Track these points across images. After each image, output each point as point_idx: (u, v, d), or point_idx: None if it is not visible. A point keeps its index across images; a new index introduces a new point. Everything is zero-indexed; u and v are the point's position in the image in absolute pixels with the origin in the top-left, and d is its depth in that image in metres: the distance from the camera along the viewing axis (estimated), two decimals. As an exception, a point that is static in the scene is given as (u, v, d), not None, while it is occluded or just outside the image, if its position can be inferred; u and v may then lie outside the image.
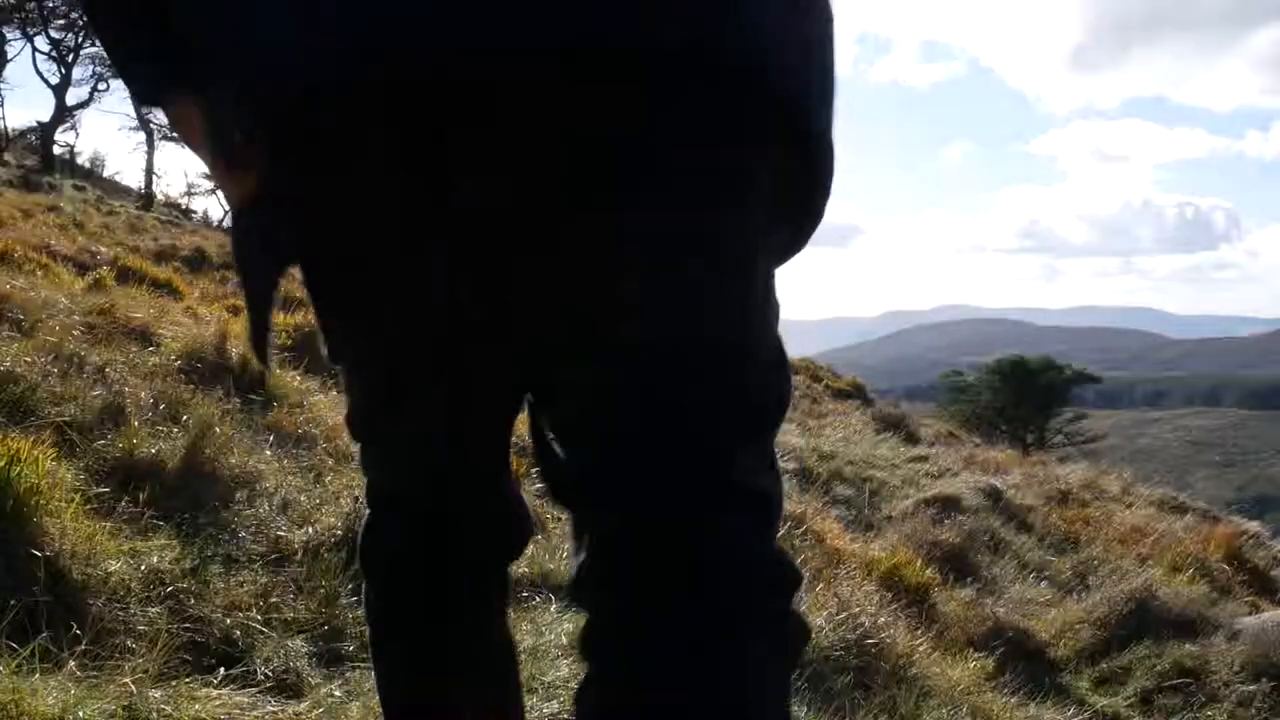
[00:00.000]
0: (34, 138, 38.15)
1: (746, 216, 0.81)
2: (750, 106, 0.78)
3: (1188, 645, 4.21)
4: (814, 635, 3.12)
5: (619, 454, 0.83)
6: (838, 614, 3.24)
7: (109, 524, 2.70)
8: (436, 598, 1.09)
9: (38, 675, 2.08)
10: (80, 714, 2.00)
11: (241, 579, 2.73)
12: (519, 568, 3.31)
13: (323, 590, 2.76)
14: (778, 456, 0.91)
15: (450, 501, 1.09)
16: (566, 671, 2.57)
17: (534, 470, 4.34)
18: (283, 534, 3.01)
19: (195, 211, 40.13)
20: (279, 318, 5.24)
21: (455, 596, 1.10)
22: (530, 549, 3.50)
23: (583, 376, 0.83)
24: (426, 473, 1.08)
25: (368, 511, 1.16)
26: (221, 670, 2.33)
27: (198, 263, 12.73)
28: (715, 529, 0.82)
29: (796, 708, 2.79)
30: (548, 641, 2.77)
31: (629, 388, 0.81)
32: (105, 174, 43.64)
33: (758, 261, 0.83)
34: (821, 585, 3.70)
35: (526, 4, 0.73)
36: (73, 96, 36.13)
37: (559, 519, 4.07)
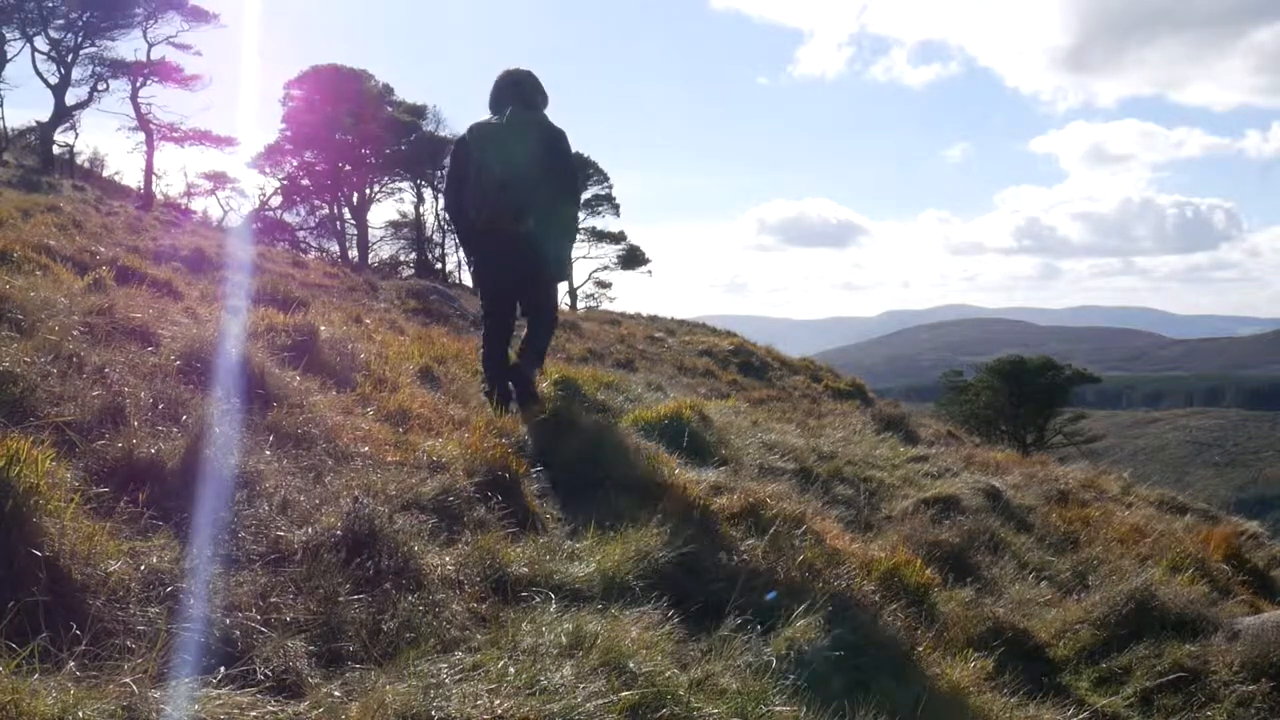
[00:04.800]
0: (33, 138, 38.14)
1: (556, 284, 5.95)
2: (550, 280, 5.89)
3: (1188, 645, 4.21)
4: (814, 635, 3.12)
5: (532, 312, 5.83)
6: (838, 614, 3.24)
7: (109, 524, 2.70)
8: (500, 348, 5.68)
9: (38, 675, 2.08)
10: (80, 714, 2.00)
11: (241, 579, 2.73)
12: (519, 568, 3.31)
13: (322, 590, 2.76)
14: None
15: (503, 327, 5.75)
16: (569, 671, 2.57)
17: (534, 471, 4.32)
18: (283, 534, 3.00)
19: (195, 211, 40.16)
20: (279, 317, 5.24)
21: (504, 348, 5.70)
22: (531, 549, 3.50)
23: (533, 300, 5.78)
24: (500, 322, 5.76)
25: (485, 329, 5.82)
26: (221, 670, 2.33)
27: (198, 263, 12.73)
28: (553, 319, 5.99)
29: (796, 708, 2.79)
30: (548, 641, 2.77)
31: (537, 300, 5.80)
32: (105, 174, 43.65)
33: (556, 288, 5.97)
34: (821, 585, 3.70)
35: (526, 251, 5.43)
36: (72, 96, 36.18)
37: (559, 519, 4.07)
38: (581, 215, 6.00)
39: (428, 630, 2.77)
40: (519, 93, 5.49)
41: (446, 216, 5.45)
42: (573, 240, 5.78)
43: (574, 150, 5.69)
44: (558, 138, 5.40)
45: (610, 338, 20.22)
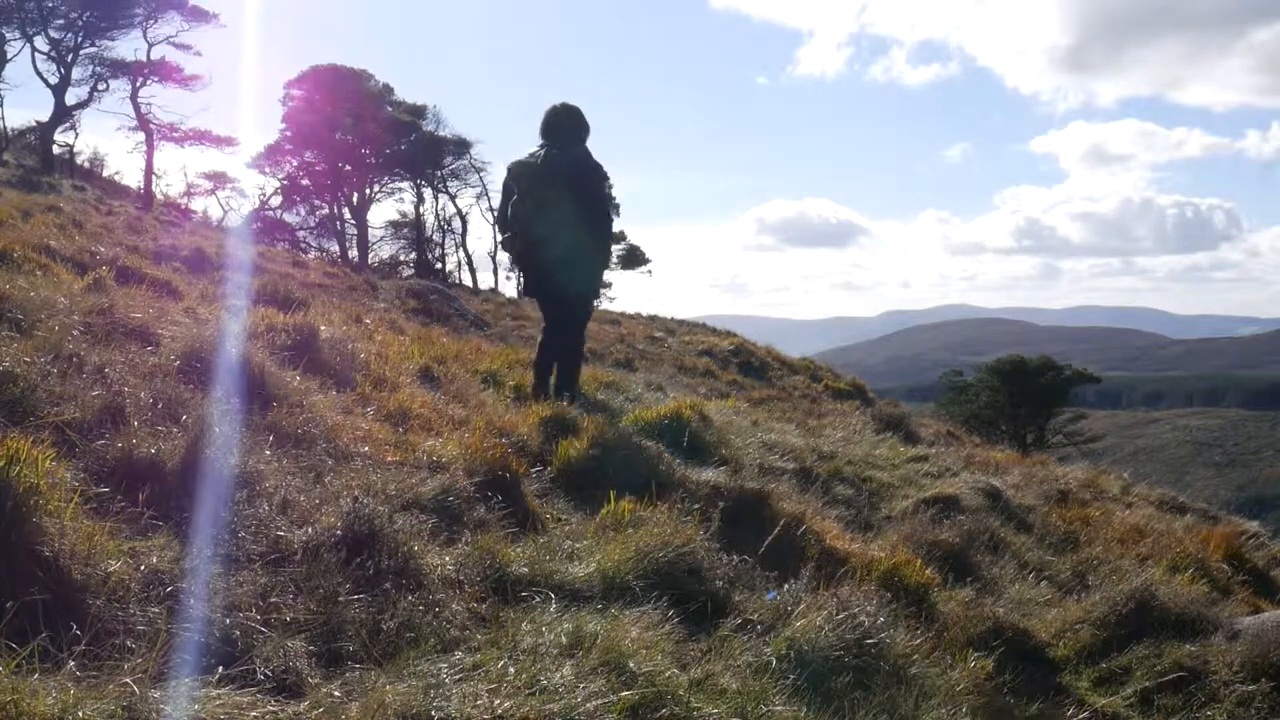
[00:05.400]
0: (33, 138, 38.14)
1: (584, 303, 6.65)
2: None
3: (1188, 645, 4.20)
4: (814, 635, 3.12)
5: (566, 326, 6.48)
6: (838, 614, 3.24)
7: (109, 524, 2.70)
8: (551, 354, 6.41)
9: (38, 675, 2.08)
10: (80, 714, 2.00)
11: (241, 579, 2.73)
12: (519, 568, 3.31)
13: (322, 590, 2.75)
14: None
15: (554, 325, 6.49)
16: (569, 671, 2.57)
17: (534, 471, 4.33)
18: (283, 534, 3.00)
19: (195, 211, 40.17)
20: (279, 317, 5.24)
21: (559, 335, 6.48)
22: (531, 549, 3.50)
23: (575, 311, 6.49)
24: (553, 323, 6.47)
25: (543, 330, 6.57)
26: (221, 670, 2.33)
27: (198, 263, 12.72)
28: (579, 339, 6.62)
29: (797, 708, 2.79)
30: (548, 641, 2.77)
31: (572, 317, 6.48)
32: (105, 174, 43.66)
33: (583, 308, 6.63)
34: (821, 585, 3.70)
35: (564, 273, 6.12)
36: (72, 96, 36.18)
37: (559, 519, 4.07)
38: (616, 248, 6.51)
39: (428, 630, 2.77)
40: (559, 129, 6.14)
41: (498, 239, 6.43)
42: (603, 264, 6.43)
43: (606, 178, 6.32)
44: (590, 172, 6.07)
45: (610, 338, 20.23)
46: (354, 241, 48.07)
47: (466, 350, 7.85)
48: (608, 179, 6.26)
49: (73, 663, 2.17)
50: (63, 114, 36.40)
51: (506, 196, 6.24)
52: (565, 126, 6.14)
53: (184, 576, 2.60)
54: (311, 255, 35.53)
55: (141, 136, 38.11)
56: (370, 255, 46.81)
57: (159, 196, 38.65)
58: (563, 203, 5.93)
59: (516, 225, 6.06)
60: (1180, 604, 4.56)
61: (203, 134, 40.06)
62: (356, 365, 5.23)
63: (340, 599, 2.75)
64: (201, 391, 3.85)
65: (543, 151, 6.08)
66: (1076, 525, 6.22)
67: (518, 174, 6.12)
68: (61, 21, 35.07)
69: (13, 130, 39.13)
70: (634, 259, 53.74)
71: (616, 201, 48.37)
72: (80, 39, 35.51)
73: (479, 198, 50.35)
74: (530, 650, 2.71)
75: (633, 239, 54.24)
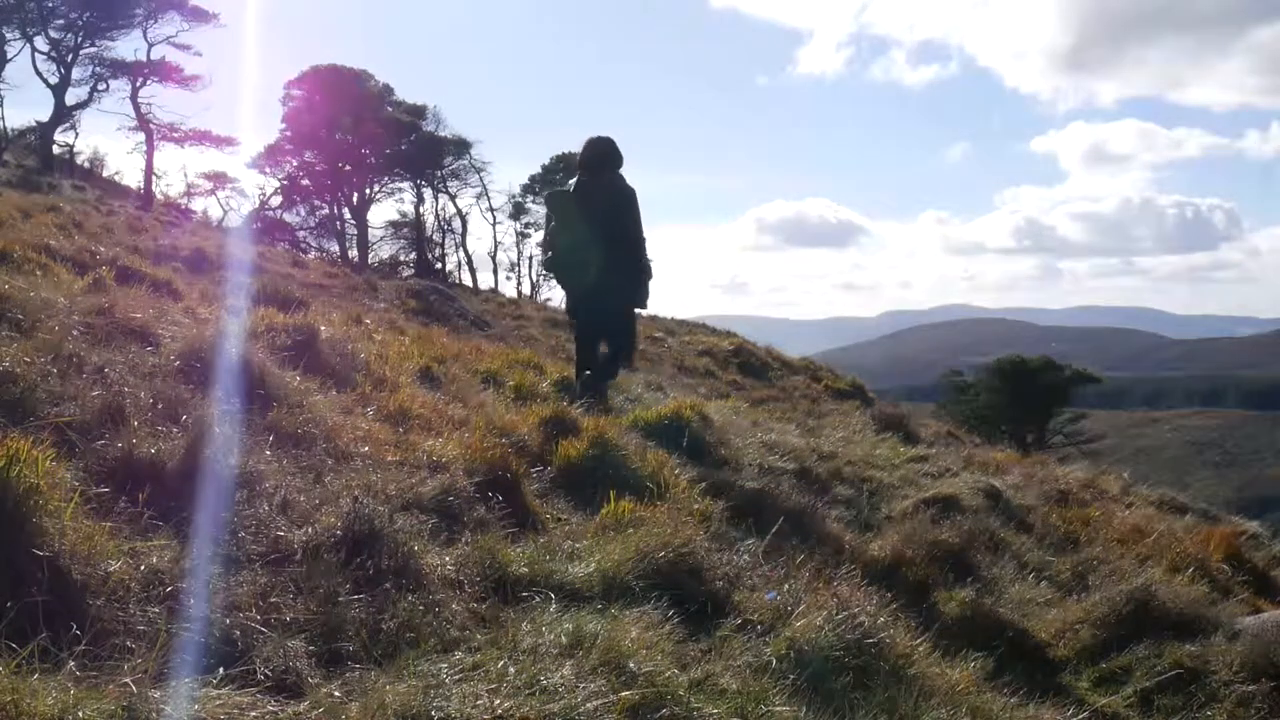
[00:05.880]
0: (33, 138, 38.13)
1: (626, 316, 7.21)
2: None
3: (1188, 645, 4.20)
4: (814, 635, 3.12)
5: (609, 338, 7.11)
6: (837, 614, 3.24)
7: (109, 524, 2.70)
8: (585, 365, 7.02)
9: (38, 675, 2.08)
10: (80, 714, 2.00)
11: (241, 579, 2.73)
12: (519, 568, 3.31)
13: (322, 590, 2.75)
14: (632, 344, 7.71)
15: (586, 349, 7.08)
16: (569, 671, 2.57)
17: (534, 471, 4.33)
18: (283, 534, 3.00)
19: (195, 211, 40.17)
20: (279, 317, 5.24)
21: (594, 347, 7.09)
22: (531, 550, 3.50)
23: (607, 330, 7.04)
24: (584, 345, 7.08)
25: (576, 337, 7.26)
26: (221, 670, 2.33)
27: (198, 263, 12.72)
28: (623, 347, 7.30)
29: (796, 708, 2.79)
30: (548, 641, 2.77)
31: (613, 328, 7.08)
32: (105, 174, 43.66)
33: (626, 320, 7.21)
34: (821, 585, 3.70)
35: (602, 290, 6.70)
36: (72, 96, 36.19)
37: (559, 519, 4.07)
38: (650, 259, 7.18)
39: (428, 630, 2.77)
40: (593, 160, 6.79)
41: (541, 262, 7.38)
42: (638, 278, 6.91)
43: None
44: (625, 197, 6.66)
45: (610, 338, 20.18)
46: (354, 241, 48.10)
47: (466, 350, 7.85)
48: (637, 202, 6.75)
49: (73, 663, 2.17)
50: (63, 114, 36.41)
51: (547, 224, 7.07)
52: (597, 157, 6.77)
53: (184, 576, 2.60)
54: (311, 255, 35.55)
55: (141, 136, 38.16)
56: (370, 255, 46.83)
57: (159, 196, 38.66)
58: (594, 227, 6.56)
59: (553, 250, 6.86)
60: (1180, 604, 4.56)
61: (203, 134, 40.08)
62: (356, 365, 5.23)
63: (340, 599, 2.75)
64: (201, 392, 3.85)
65: (575, 181, 6.83)
66: (1076, 525, 6.22)
67: (553, 203, 6.93)
68: (61, 22, 35.09)
69: (13, 130, 39.15)
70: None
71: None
72: (80, 39, 35.53)
73: (479, 198, 50.43)
74: (530, 650, 2.71)
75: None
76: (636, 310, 7.34)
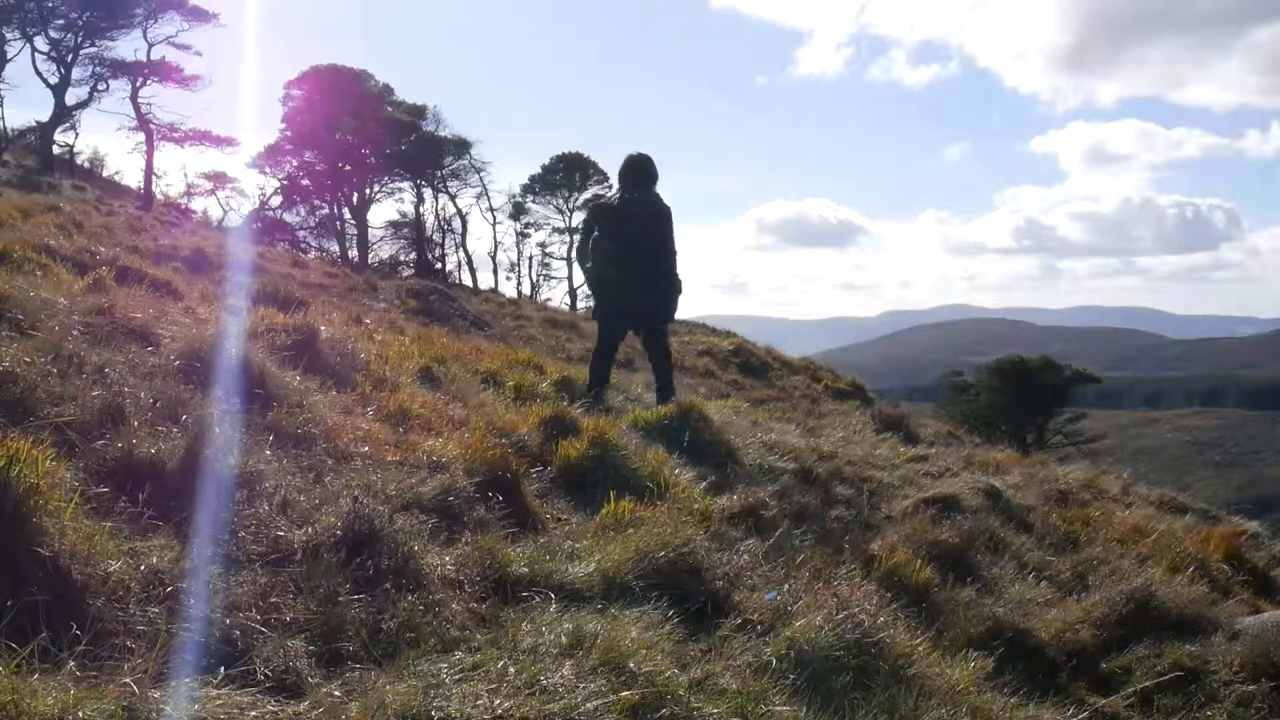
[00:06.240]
0: (33, 138, 38.13)
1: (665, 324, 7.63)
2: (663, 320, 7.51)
3: (1187, 645, 4.20)
4: (814, 635, 3.12)
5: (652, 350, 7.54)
6: (837, 614, 3.24)
7: (109, 524, 2.70)
8: (605, 366, 7.41)
9: (38, 675, 2.08)
10: (80, 714, 2.00)
11: (241, 579, 2.73)
12: (519, 568, 3.31)
13: (322, 590, 2.75)
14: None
15: (606, 353, 7.42)
16: (569, 671, 2.57)
17: (534, 471, 4.32)
18: (283, 534, 3.00)
19: (195, 211, 40.17)
20: (279, 317, 5.24)
21: (608, 366, 7.48)
22: (531, 549, 3.50)
23: (649, 338, 7.53)
24: (606, 349, 7.40)
25: (596, 349, 7.50)
26: (221, 670, 2.33)
27: (198, 263, 12.72)
28: (665, 352, 7.57)
29: (796, 708, 2.79)
30: (548, 641, 2.77)
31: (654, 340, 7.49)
32: (105, 174, 43.65)
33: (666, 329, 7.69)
34: (821, 585, 3.70)
35: (641, 302, 7.12)
36: (72, 96, 36.16)
37: (559, 519, 4.07)
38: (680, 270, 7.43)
39: (428, 630, 2.77)
40: (634, 176, 7.14)
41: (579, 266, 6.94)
42: (676, 289, 7.26)
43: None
44: (661, 213, 7.08)
45: (610, 338, 20.17)
46: (354, 241, 48.10)
47: (466, 350, 7.85)
48: (672, 219, 7.19)
49: (73, 663, 2.17)
50: (63, 114, 36.40)
51: (587, 234, 7.29)
52: (638, 174, 7.14)
53: (184, 576, 2.60)
54: (311, 255, 35.54)
55: (141, 136, 38.12)
56: (370, 255, 46.83)
57: (159, 196, 38.65)
58: (637, 239, 6.98)
59: (599, 258, 7.13)
60: (1180, 604, 4.56)
61: (203, 134, 40.05)
62: (356, 365, 5.23)
63: (340, 599, 2.75)
64: (201, 391, 3.85)
65: (619, 196, 7.18)
66: (1076, 525, 6.22)
67: (599, 215, 7.28)
68: (61, 22, 35.07)
69: (13, 130, 39.13)
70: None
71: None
72: (80, 39, 35.51)
73: (479, 198, 50.45)
74: (530, 650, 2.71)
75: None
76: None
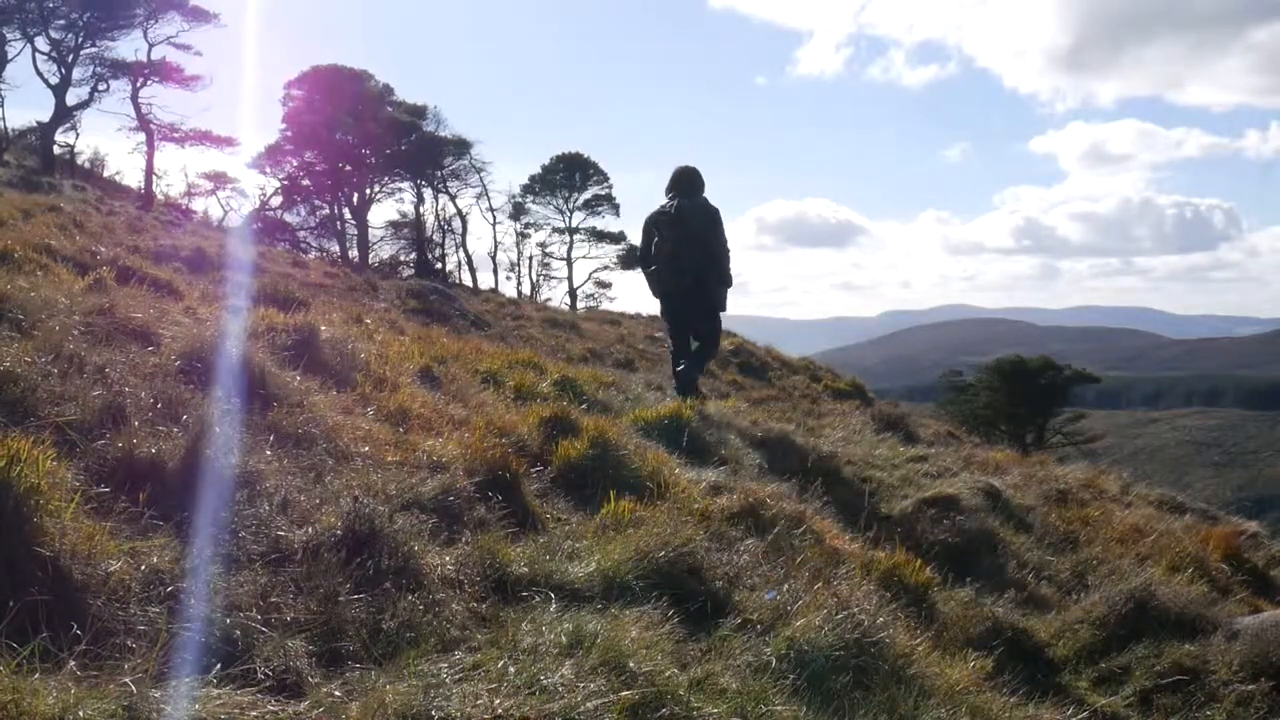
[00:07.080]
0: (34, 138, 38.12)
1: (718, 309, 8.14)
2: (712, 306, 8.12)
3: (1187, 645, 4.21)
4: (814, 635, 3.13)
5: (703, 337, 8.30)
6: (837, 614, 3.25)
7: (109, 524, 2.70)
8: (685, 351, 8.29)
9: (38, 675, 2.08)
10: (80, 714, 2.00)
11: (242, 579, 2.73)
12: (519, 568, 3.32)
13: (322, 590, 2.76)
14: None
15: (682, 348, 8.28)
16: (569, 671, 2.57)
17: (534, 471, 4.32)
18: (283, 534, 3.00)
19: (195, 211, 40.15)
20: (279, 317, 5.24)
21: (688, 342, 8.29)
22: (531, 549, 3.50)
23: (700, 331, 8.27)
24: (680, 344, 8.29)
25: (671, 348, 8.51)
26: (222, 670, 2.33)
27: (198, 263, 12.72)
28: (715, 343, 8.56)
29: (796, 708, 2.79)
30: (548, 641, 2.77)
31: (707, 329, 8.27)
32: (105, 174, 43.64)
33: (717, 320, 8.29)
34: (821, 585, 3.70)
35: (697, 295, 7.90)
36: (72, 97, 36.11)
37: (559, 519, 4.07)
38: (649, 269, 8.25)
39: (428, 630, 2.77)
40: (685, 185, 8.01)
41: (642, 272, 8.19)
42: (726, 282, 8.03)
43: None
44: (713, 216, 7.87)
45: (610, 337, 20.23)
46: (354, 241, 48.07)
47: (466, 350, 7.85)
48: (723, 222, 7.99)
49: (73, 662, 2.18)
50: (63, 114, 36.38)
51: (647, 239, 8.05)
52: (689, 182, 8.04)
53: (184, 576, 2.60)
54: (312, 255, 35.54)
55: (142, 137, 38.09)
56: (370, 255, 46.81)
57: (159, 196, 38.62)
58: (694, 240, 7.75)
59: (660, 260, 7.89)
60: (1180, 604, 4.56)
61: (203, 134, 40.03)
62: (356, 365, 5.23)
63: (340, 599, 2.75)
64: (202, 391, 3.85)
65: (674, 202, 7.91)
66: (1076, 525, 6.22)
67: (658, 221, 7.95)
68: (62, 22, 35.04)
69: (13, 130, 39.12)
70: (634, 259, 53.76)
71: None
72: (81, 39, 35.48)
73: (479, 198, 50.44)
74: (530, 650, 2.71)
75: (633, 239, 54.29)
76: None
